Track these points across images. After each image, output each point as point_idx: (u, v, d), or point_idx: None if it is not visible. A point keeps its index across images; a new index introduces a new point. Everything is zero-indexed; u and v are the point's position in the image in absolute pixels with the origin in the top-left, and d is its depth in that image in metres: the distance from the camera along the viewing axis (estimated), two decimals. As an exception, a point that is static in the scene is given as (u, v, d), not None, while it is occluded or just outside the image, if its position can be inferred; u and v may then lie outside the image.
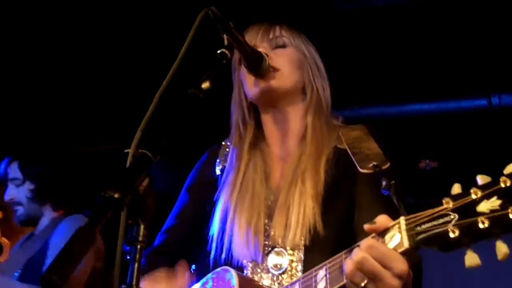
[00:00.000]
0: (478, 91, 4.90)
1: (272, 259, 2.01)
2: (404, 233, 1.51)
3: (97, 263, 3.59)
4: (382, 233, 1.58)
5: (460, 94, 4.95)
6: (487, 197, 1.38)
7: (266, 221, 2.07)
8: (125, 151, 1.42)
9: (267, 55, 2.12)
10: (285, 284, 1.95)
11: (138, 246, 1.34)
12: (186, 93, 1.63)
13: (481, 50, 4.55)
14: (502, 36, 4.39)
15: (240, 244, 2.04)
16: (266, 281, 1.99)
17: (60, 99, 5.18)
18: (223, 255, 2.06)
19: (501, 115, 4.89)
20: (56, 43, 4.59)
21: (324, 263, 1.71)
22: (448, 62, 4.70)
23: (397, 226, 1.54)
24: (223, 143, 2.35)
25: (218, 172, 2.28)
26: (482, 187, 1.40)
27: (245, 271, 2.02)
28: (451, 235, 1.40)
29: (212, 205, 2.18)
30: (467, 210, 1.40)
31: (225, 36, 1.85)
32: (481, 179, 1.42)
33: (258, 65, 2.08)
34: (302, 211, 2.00)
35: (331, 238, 1.98)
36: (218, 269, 1.94)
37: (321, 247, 1.96)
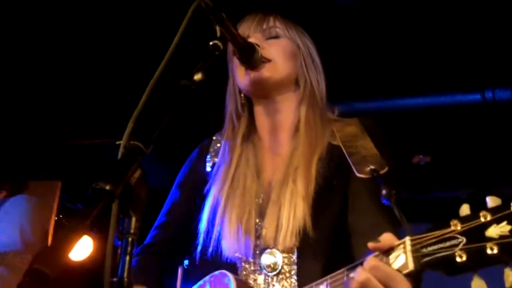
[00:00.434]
0: (472, 85, 4.89)
1: (266, 260, 1.98)
2: (409, 254, 1.47)
3: None
4: (386, 251, 1.54)
5: (454, 88, 4.95)
6: (497, 221, 1.34)
7: (257, 220, 2.04)
8: (117, 142, 1.41)
9: (259, 46, 2.10)
10: (279, 286, 1.93)
11: (130, 239, 1.33)
12: (178, 84, 1.62)
13: (475, 45, 4.55)
14: (496, 31, 4.39)
15: (230, 240, 2.01)
16: (259, 283, 1.97)
17: (48, 91, 5.16)
18: (211, 250, 2.04)
19: (495, 109, 4.89)
20: (47, 37, 4.56)
21: (325, 278, 1.69)
22: (442, 57, 4.70)
23: (402, 246, 1.50)
24: (213, 137, 2.33)
25: (208, 168, 2.26)
26: (492, 210, 1.36)
27: (237, 270, 2.00)
28: (458, 259, 1.36)
29: (202, 198, 2.16)
30: (476, 234, 1.36)
31: (217, 28, 1.84)
32: (491, 201, 1.37)
33: (250, 56, 2.07)
34: (292, 212, 1.97)
35: (323, 240, 1.95)
36: (216, 273, 1.93)
37: (314, 249, 1.94)
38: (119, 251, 1.35)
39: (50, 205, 5.58)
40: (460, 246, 1.37)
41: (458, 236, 1.38)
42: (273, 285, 1.95)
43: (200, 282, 1.98)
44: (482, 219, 1.36)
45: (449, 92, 4.97)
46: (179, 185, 2.32)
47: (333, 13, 4.29)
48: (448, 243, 1.39)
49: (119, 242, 1.34)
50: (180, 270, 5.09)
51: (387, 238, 1.55)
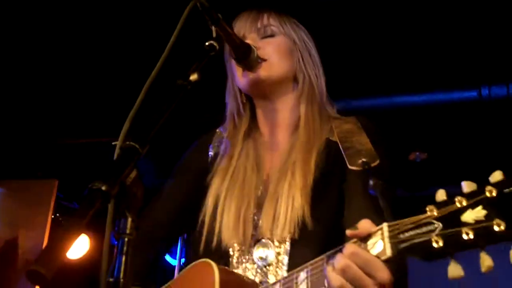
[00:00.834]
0: (468, 83, 4.90)
1: (259, 251, 2.00)
2: (387, 240, 1.48)
3: None
4: (364, 238, 1.55)
5: (450, 85, 4.95)
6: (472, 206, 1.34)
7: (255, 211, 2.06)
8: (113, 143, 1.41)
9: (255, 47, 2.11)
10: (270, 276, 1.94)
11: (126, 239, 1.34)
12: (174, 84, 1.62)
13: (472, 42, 4.55)
14: (492, 28, 4.40)
15: (230, 230, 2.03)
16: (250, 272, 1.98)
17: (45, 90, 5.16)
18: (212, 240, 2.05)
19: (491, 107, 4.89)
20: (44, 35, 4.56)
21: (306, 265, 1.70)
22: (439, 54, 4.70)
23: (379, 232, 1.51)
24: (217, 130, 2.35)
25: (210, 157, 2.27)
26: (467, 196, 1.36)
27: (230, 259, 2.01)
28: (435, 244, 1.37)
29: (204, 189, 2.17)
30: (452, 219, 1.36)
31: (213, 28, 1.84)
32: (466, 186, 1.37)
33: (246, 56, 2.07)
34: (290, 204, 1.99)
35: (319, 232, 1.97)
36: (198, 261, 1.92)
37: (309, 241, 1.95)
38: (115, 250, 1.36)
39: (47, 203, 5.59)
40: (436, 232, 1.37)
41: (435, 221, 1.39)
42: (265, 275, 1.96)
43: (184, 270, 1.99)
44: (458, 204, 1.36)
45: (446, 89, 4.97)
46: (177, 173, 2.34)
47: (328, 10, 4.29)
48: (424, 229, 1.40)
49: (116, 242, 1.35)
50: (176, 268, 5.10)
51: (365, 225, 1.56)
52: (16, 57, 4.78)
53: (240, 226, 2.03)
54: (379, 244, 1.50)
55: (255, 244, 2.01)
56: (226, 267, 1.98)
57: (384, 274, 1.51)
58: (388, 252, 1.47)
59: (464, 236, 1.33)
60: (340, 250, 1.57)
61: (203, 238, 2.08)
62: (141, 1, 4.25)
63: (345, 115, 2.25)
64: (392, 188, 1.88)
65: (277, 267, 1.96)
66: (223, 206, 2.08)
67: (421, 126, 5.42)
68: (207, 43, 1.79)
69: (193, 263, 1.94)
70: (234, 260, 2.02)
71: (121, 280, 1.28)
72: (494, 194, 1.33)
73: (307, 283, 1.66)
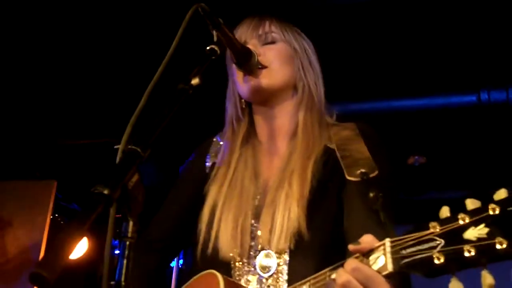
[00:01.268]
0: (467, 87, 4.91)
1: (261, 261, 1.99)
2: (388, 255, 1.47)
3: None
4: (366, 253, 1.55)
5: (449, 90, 4.96)
6: (475, 224, 1.33)
7: (253, 221, 2.05)
8: (115, 147, 1.42)
9: (256, 53, 2.12)
10: (272, 286, 1.94)
11: (127, 243, 1.34)
12: (176, 88, 1.63)
13: (471, 46, 4.56)
14: (491, 32, 4.41)
15: (227, 240, 2.02)
16: (252, 284, 1.98)
17: (45, 90, 5.16)
18: (210, 250, 2.04)
19: (490, 111, 4.90)
20: (46, 37, 4.56)
21: (308, 279, 1.70)
22: (438, 58, 4.71)
23: (382, 248, 1.51)
24: (214, 139, 2.35)
25: (207, 168, 2.27)
26: (470, 213, 1.35)
27: (232, 271, 2.01)
28: (436, 261, 1.36)
29: (201, 198, 2.17)
30: (454, 237, 1.35)
31: (214, 32, 1.85)
32: (470, 204, 1.36)
33: (247, 61, 2.08)
34: (287, 215, 1.98)
35: (316, 242, 1.96)
36: (204, 272, 1.93)
37: (307, 251, 1.94)
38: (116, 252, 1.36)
39: (46, 204, 5.59)
40: (438, 248, 1.37)
41: (437, 238, 1.38)
42: (267, 286, 1.96)
43: (190, 281, 1.99)
44: (461, 222, 1.35)
45: (445, 93, 4.98)
46: (178, 185, 2.34)
47: (328, 15, 4.29)
48: (426, 245, 1.39)
49: (117, 244, 1.36)
50: (174, 270, 5.10)
51: (367, 240, 1.56)
52: (16, 58, 4.78)
53: (238, 236, 2.02)
54: (381, 259, 1.50)
55: (256, 254, 2.00)
56: (231, 279, 1.97)
57: None
58: (390, 267, 1.47)
59: (466, 254, 1.32)
60: (342, 265, 1.57)
61: (201, 247, 2.07)
62: (143, 5, 4.26)
63: (344, 119, 2.25)
64: (394, 196, 1.88)
65: (277, 278, 1.96)
66: (221, 215, 2.07)
67: (420, 130, 5.43)
68: (208, 48, 1.80)
69: (199, 274, 1.94)
70: (236, 272, 2.01)
71: (122, 283, 1.29)
72: (497, 212, 1.31)
73: None
